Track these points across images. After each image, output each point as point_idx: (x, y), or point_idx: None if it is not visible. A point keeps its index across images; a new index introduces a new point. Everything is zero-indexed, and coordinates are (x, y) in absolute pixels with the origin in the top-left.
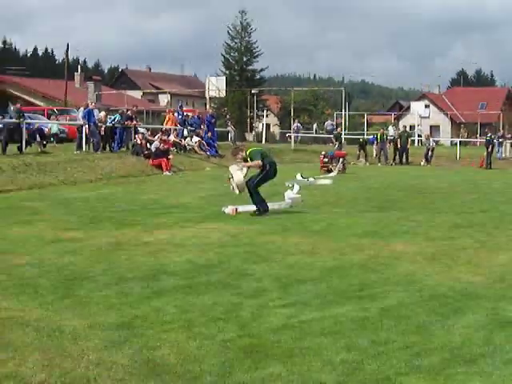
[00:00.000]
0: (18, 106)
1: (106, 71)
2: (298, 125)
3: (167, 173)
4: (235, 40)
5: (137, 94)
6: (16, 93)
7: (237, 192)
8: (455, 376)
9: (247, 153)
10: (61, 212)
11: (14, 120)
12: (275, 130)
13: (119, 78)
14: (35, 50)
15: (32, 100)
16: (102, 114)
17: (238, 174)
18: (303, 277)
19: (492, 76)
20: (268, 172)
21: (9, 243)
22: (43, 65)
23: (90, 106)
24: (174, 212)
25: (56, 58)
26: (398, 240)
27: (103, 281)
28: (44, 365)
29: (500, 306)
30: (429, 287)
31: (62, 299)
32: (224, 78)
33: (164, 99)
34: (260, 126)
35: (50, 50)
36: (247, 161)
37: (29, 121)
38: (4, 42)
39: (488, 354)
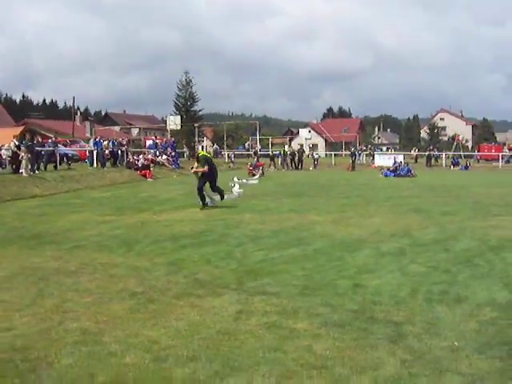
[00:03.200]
0: (53, 139)
1: (92, 113)
2: (217, 147)
3: (150, 179)
4: (182, 91)
5: (117, 129)
6: (38, 130)
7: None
8: (364, 279)
9: (199, 155)
10: (95, 205)
11: (51, 148)
12: (210, 150)
13: (104, 118)
14: (44, 100)
15: (48, 134)
16: (106, 142)
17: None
18: (262, 235)
19: (349, 110)
20: (211, 174)
21: (74, 224)
22: (50, 110)
23: (98, 138)
24: (167, 203)
25: (58, 105)
26: (310, 214)
27: (146, 242)
28: (137, 284)
29: (379, 245)
30: (337, 238)
31: (128, 252)
32: (179, 116)
33: (134, 131)
34: (200, 148)
35: (54, 100)
36: (198, 160)
37: (60, 148)
38: (23, 96)
39: (377, 269)
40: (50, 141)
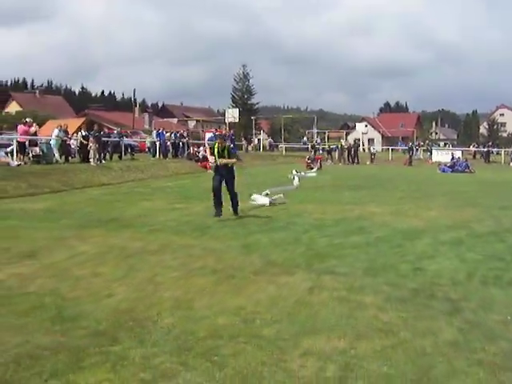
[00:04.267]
0: (119, 129)
1: (149, 105)
2: (271, 140)
3: (210, 171)
4: (239, 84)
5: (174, 121)
6: (99, 121)
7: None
8: (423, 264)
9: (224, 145)
10: (162, 194)
11: (116, 139)
12: (265, 142)
13: (161, 110)
14: (102, 92)
15: (109, 126)
16: (168, 134)
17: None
18: (325, 224)
19: (406, 105)
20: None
21: (146, 210)
22: (108, 102)
23: (160, 130)
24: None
25: (116, 96)
26: (370, 205)
27: (217, 227)
28: (216, 262)
29: (437, 235)
30: (397, 227)
31: (202, 235)
32: (237, 109)
33: (191, 123)
34: (256, 140)
35: (112, 92)
36: (221, 151)
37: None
38: (82, 88)
39: (436, 255)
40: (115, 132)
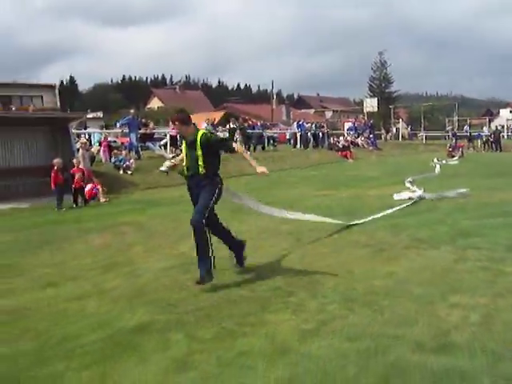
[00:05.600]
0: (262, 121)
1: (285, 96)
2: (409, 129)
3: (350, 160)
4: (376, 72)
5: (311, 112)
6: (237, 113)
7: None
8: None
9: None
10: (308, 182)
11: (260, 131)
12: (404, 131)
13: (298, 101)
14: (238, 85)
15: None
16: (309, 125)
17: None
18: (468, 207)
19: None
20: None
21: (298, 196)
22: (245, 95)
23: (301, 121)
24: (372, 181)
25: (252, 89)
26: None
27: (365, 211)
28: (368, 239)
29: None
30: None
31: (352, 218)
32: (376, 99)
33: (328, 114)
34: (394, 130)
35: (248, 85)
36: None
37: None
38: (219, 81)
39: None
40: (258, 124)
